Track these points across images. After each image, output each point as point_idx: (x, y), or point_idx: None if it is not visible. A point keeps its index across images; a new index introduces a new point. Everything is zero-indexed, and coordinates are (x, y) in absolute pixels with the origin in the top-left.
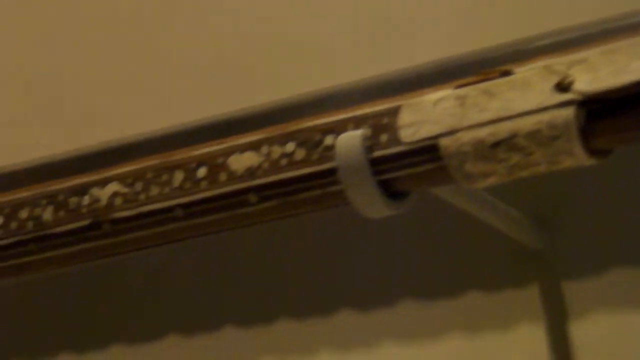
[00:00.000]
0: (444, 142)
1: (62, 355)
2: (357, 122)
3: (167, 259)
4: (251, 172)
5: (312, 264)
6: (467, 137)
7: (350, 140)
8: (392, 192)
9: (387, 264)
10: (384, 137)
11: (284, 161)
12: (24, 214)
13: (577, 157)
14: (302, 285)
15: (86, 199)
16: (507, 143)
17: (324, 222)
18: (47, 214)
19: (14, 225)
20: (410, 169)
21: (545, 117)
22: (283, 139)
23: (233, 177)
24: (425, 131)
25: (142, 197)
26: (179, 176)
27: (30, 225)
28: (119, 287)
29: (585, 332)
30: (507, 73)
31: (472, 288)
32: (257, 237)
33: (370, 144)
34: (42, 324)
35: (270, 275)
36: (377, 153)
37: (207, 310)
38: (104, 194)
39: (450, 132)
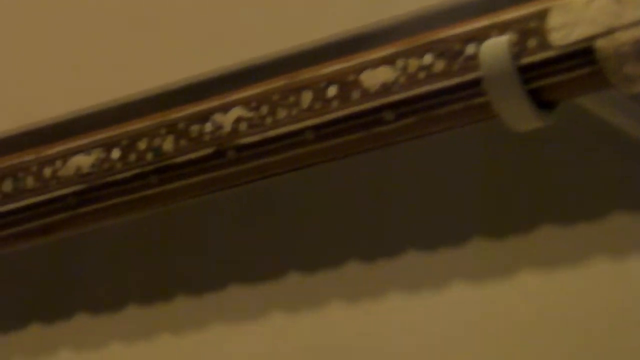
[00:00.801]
0: (600, 43)
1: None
2: (502, 28)
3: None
4: (386, 88)
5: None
6: (625, 36)
7: (495, 48)
8: (540, 102)
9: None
10: (531, 43)
11: (421, 74)
12: (142, 145)
13: None
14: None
15: (208, 126)
16: None
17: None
18: (168, 144)
19: (132, 157)
20: (562, 75)
21: None
22: (420, 51)
23: (367, 94)
24: (578, 33)
25: (268, 121)
26: (307, 97)
27: (149, 156)
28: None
29: None
30: None
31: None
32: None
33: (517, 50)
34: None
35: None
36: (525, 60)
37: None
38: (227, 119)
39: (607, 32)
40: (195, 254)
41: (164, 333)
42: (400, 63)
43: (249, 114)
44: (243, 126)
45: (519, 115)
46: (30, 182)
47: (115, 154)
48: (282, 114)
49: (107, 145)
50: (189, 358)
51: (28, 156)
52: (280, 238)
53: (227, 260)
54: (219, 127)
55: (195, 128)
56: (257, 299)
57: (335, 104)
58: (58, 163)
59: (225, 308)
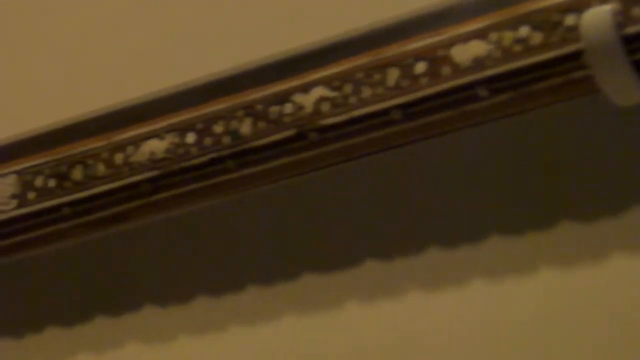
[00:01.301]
0: None
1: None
2: None
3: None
4: (479, 63)
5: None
6: None
7: (598, 18)
8: None
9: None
10: (636, 11)
11: (517, 47)
12: (219, 128)
13: None
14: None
15: (288, 107)
16: None
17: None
18: (245, 127)
19: (208, 141)
20: None
21: None
22: (514, 23)
23: (458, 70)
24: None
25: (352, 100)
26: (393, 74)
27: (226, 140)
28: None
29: None
30: None
31: None
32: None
33: (620, 19)
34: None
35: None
36: (630, 29)
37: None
38: (308, 100)
39: None
40: (266, 242)
41: (233, 325)
42: (493, 36)
43: (332, 94)
44: (326, 106)
45: (623, 88)
46: (101, 169)
47: (190, 138)
48: (367, 92)
49: (182, 130)
50: (260, 351)
51: (98, 142)
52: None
53: (297, 249)
54: (299, 108)
55: (274, 109)
56: (329, 290)
57: (424, 81)
58: (130, 149)
59: (298, 299)
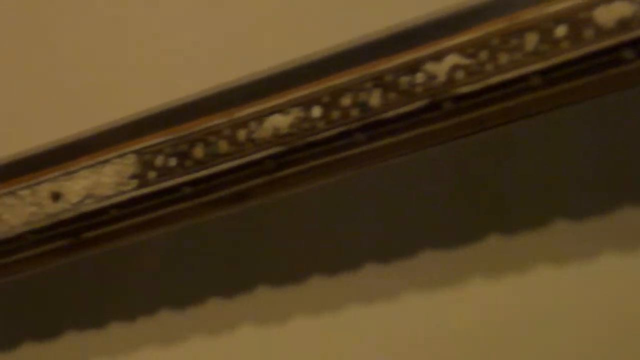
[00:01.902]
0: None
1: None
2: None
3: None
4: (624, 24)
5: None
6: None
7: None
8: None
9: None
10: None
11: None
12: (346, 100)
13: None
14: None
15: (420, 77)
16: None
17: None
18: (375, 98)
19: (335, 114)
20: None
21: None
22: None
23: (601, 32)
24: None
25: (488, 67)
26: (532, 39)
27: (355, 112)
28: None
29: None
30: None
31: None
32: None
33: None
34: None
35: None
36: None
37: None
38: (441, 69)
39: None
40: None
41: (350, 305)
42: None
43: (466, 61)
44: (460, 75)
45: None
46: (223, 146)
47: (316, 112)
48: (503, 59)
49: (307, 104)
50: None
51: (220, 119)
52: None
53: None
54: (432, 77)
55: (405, 80)
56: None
57: (565, 44)
58: (253, 125)
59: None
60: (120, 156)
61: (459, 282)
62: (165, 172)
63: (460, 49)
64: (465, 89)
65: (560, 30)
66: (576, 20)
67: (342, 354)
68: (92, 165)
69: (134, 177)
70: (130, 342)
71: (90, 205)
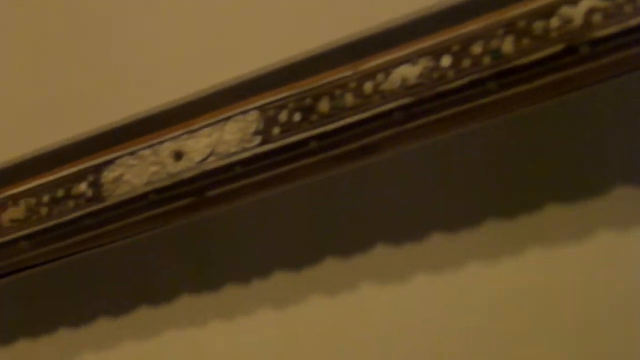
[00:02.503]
0: None
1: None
2: None
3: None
4: None
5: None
6: None
7: None
8: None
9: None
10: None
11: None
12: (477, 48)
13: None
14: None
15: (555, 21)
16: None
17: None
18: (507, 45)
19: (466, 63)
20: None
21: None
22: None
23: None
24: None
25: (627, 9)
26: None
27: (487, 60)
28: None
29: None
30: None
31: None
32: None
33: None
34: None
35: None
36: None
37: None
38: (577, 12)
39: None
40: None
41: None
42: None
43: (604, 4)
44: (597, 17)
45: None
46: (349, 99)
47: (446, 61)
48: None
49: (436, 53)
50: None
51: (346, 72)
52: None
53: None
54: (568, 21)
55: (539, 25)
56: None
57: None
58: (380, 77)
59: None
60: (243, 113)
61: None
62: (290, 128)
63: None
64: (603, 32)
65: None
66: None
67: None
68: (214, 123)
69: (257, 133)
70: (245, 304)
71: (214, 163)
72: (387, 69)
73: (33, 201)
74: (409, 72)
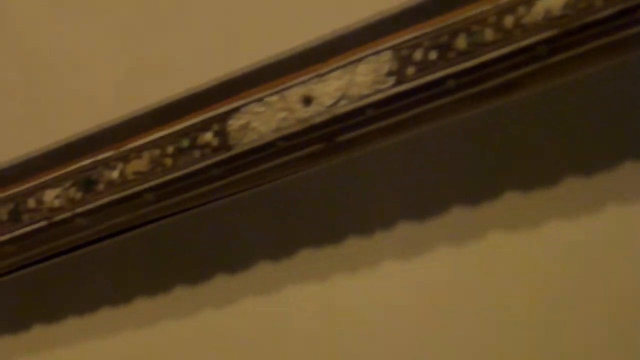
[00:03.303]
0: None
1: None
2: None
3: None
4: None
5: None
6: None
7: None
8: None
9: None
10: None
11: None
12: None
13: None
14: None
15: None
16: None
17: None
18: None
19: None
20: None
21: None
22: None
23: None
24: None
25: None
26: None
27: None
28: None
29: None
30: None
31: None
32: None
33: None
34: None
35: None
36: None
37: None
38: None
39: None
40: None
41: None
42: None
43: None
44: None
45: None
46: (488, 34)
47: None
48: None
49: None
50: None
51: (484, 5)
52: None
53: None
54: None
55: None
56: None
57: None
58: (521, 9)
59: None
60: (375, 53)
61: None
62: (425, 66)
63: None
64: None
65: None
66: None
67: None
68: (344, 66)
69: (391, 74)
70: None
71: (345, 107)
72: (529, 0)
73: (157, 152)
74: (553, 3)
